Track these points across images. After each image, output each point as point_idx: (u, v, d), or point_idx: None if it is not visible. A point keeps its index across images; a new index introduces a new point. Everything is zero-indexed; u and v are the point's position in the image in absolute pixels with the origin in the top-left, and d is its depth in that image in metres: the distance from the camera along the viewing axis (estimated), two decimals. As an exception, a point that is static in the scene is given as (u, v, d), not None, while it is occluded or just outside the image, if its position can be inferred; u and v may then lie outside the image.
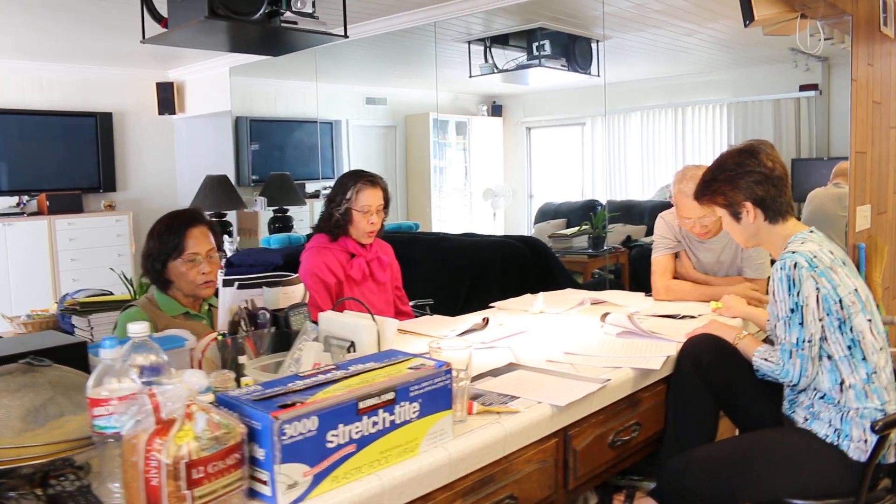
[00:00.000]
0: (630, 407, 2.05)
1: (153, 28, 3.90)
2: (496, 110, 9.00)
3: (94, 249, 6.39)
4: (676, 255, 3.08)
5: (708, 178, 2.24)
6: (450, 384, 1.53)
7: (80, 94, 6.67)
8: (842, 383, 2.00)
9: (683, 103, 8.28)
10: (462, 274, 4.66)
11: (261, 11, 3.85)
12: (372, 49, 6.19)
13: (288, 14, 4.11)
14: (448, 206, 8.62)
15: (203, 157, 7.24)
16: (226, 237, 6.16)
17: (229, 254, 6.02)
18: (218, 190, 6.16)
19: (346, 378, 1.46)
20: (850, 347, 2.00)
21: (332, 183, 7.76)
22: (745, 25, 3.71)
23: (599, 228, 6.13)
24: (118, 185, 6.93)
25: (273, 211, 6.67)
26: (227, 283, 2.03)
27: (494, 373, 2.01)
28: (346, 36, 4.30)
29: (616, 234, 7.21)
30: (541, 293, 2.96)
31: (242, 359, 1.89)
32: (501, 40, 5.73)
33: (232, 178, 7.02)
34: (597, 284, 5.34)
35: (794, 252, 2.04)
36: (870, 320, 2.03)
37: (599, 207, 8.02)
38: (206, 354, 1.97)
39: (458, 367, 1.67)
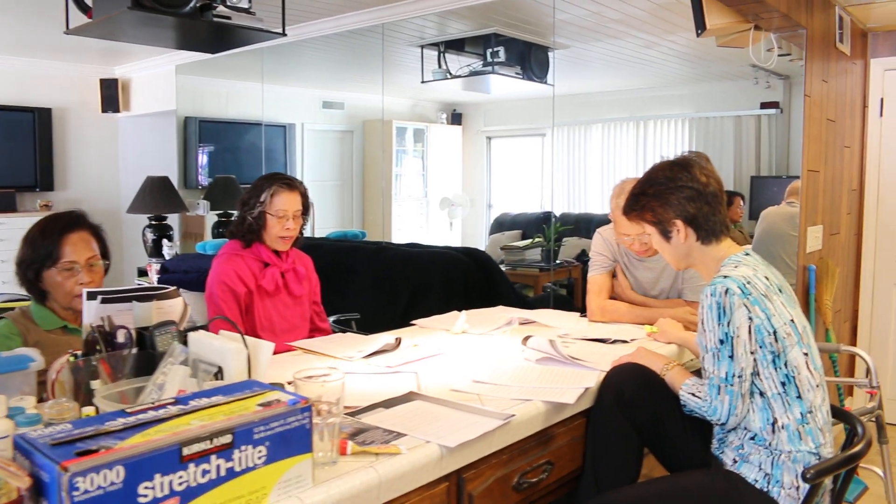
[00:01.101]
0: (540, 444, 1.84)
1: (80, 18, 3.67)
2: (456, 118, 8.81)
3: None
4: (614, 275, 2.89)
5: (637, 192, 2.05)
6: (308, 423, 1.31)
7: (18, 88, 6.34)
8: (774, 423, 1.81)
9: (645, 117, 8.15)
10: (402, 285, 4.44)
11: (191, 5, 3.63)
12: (325, 51, 5.97)
13: (221, 9, 3.90)
14: (404, 215, 8.42)
15: (148, 158, 6.95)
16: (165, 241, 5.88)
17: (167, 258, 5.75)
18: (158, 192, 5.88)
19: (179, 416, 1.24)
20: (783, 384, 1.81)
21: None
22: (698, 35, 3.55)
23: (551, 241, 5.94)
24: (56, 185, 6.60)
25: (217, 215, 6.39)
26: (90, 297, 1.79)
27: (388, 403, 1.79)
28: (284, 34, 4.06)
29: (570, 247, 7.03)
30: (464, 311, 2.75)
31: (95, 384, 1.65)
32: (456, 45, 5.54)
33: (179, 180, 6.74)
34: (545, 300, 5.15)
35: (725, 277, 1.85)
36: (806, 354, 1.85)
37: (554, 220, 7.88)
38: (59, 377, 1.73)
39: (328, 401, 1.45)
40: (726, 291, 1.81)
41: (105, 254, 2.29)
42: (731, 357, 1.80)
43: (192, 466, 1.16)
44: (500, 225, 7.82)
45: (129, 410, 1.26)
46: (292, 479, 1.30)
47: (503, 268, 6.30)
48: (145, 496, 1.10)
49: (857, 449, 1.77)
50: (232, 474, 1.21)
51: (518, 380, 2.00)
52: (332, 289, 4.74)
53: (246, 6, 3.98)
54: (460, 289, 4.31)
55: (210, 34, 4.10)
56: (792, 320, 1.85)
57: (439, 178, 8.72)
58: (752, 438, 1.84)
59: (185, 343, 1.74)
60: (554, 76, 5.82)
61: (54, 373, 1.74)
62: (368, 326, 3.47)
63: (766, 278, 1.88)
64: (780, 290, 1.89)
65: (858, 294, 4.46)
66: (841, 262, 4.15)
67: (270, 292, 2.72)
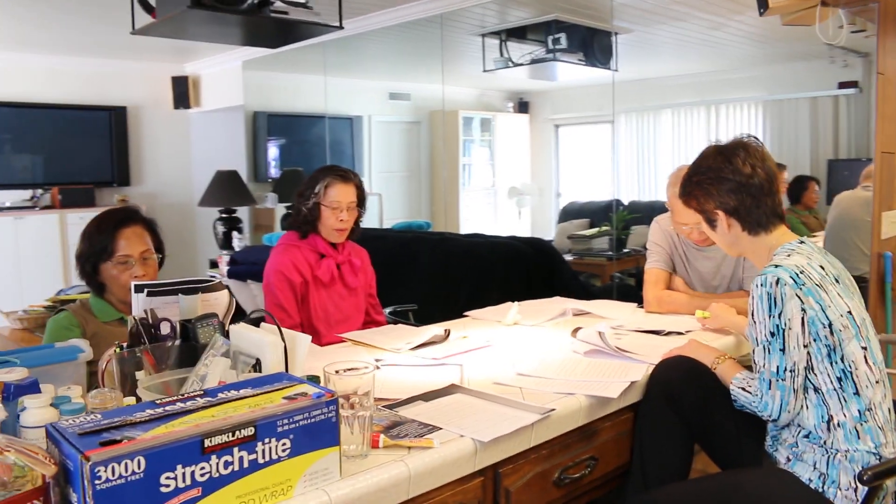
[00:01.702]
0: (583, 439, 1.80)
1: (146, 19, 3.78)
2: (523, 107, 8.72)
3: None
4: (675, 270, 2.80)
5: (686, 178, 1.98)
6: (334, 417, 1.31)
7: (95, 88, 6.59)
8: (829, 420, 1.72)
9: (716, 101, 7.89)
10: (464, 276, 4.43)
11: (249, 1, 3.70)
12: (387, 43, 5.99)
13: (279, 4, 3.95)
14: (472, 205, 8.39)
15: (219, 152, 7.12)
16: (235, 233, 6.02)
17: (237, 250, 5.89)
18: (227, 185, 6.03)
19: (205, 408, 1.25)
20: (840, 379, 1.72)
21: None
22: (760, 14, 3.41)
23: (619, 230, 5.83)
24: (132, 180, 6.85)
25: (285, 207, 6.51)
26: (138, 289, 1.83)
27: (428, 396, 1.78)
28: (340, 27, 4.10)
29: (639, 235, 6.87)
30: (516, 303, 2.71)
31: (139, 374, 1.69)
32: (517, 33, 5.48)
33: (248, 174, 6.89)
34: (609, 290, 5.06)
35: (777, 266, 1.76)
36: (864, 348, 1.74)
37: (621, 208, 7.72)
38: (108, 368, 1.78)
39: (358, 394, 1.45)
40: (777, 281, 1.72)
41: (159, 248, 2.35)
42: (783, 350, 1.71)
43: (213, 458, 1.17)
44: (568, 213, 7.71)
45: (158, 402, 1.29)
46: (319, 471, 1.30)
47: (569, 257, 6.23)
48: (167, 486, 1.12)
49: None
50: (255, 466, 1.22)
51: (564, 373, 1.96)
52: (395, 279, 4.78)
53: (302, 1, 4.04)
54: (522, 279, 4.27)
55: (269, 30, 4.16)
56: (849, 312, 1.74)
57: (507, 167, 8.65)
58: (807, 436, 1.75)
59: (227, 335, 1.76)
60: (617, 61, 5.70)
61: (104, 363, 1.79)
62: (428, 317, 3.46)
63: (822, 267, 1.78)
64: (837, 280, 1.79)
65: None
66: (924, 248, 3.93)
67: (326, 283, 2.75)
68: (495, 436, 1.53)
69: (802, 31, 3.85)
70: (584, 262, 6.03)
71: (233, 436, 1.19)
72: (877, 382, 1.73)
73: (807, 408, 1.75)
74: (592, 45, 5.40)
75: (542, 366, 2.02)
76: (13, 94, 6.19)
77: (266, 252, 4.94)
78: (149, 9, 3.99)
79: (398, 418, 1.64)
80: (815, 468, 1.71)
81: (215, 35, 4.31)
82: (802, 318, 1.71)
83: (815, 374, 1.73)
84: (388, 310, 3.38)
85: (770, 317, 1.73)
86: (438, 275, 4.54)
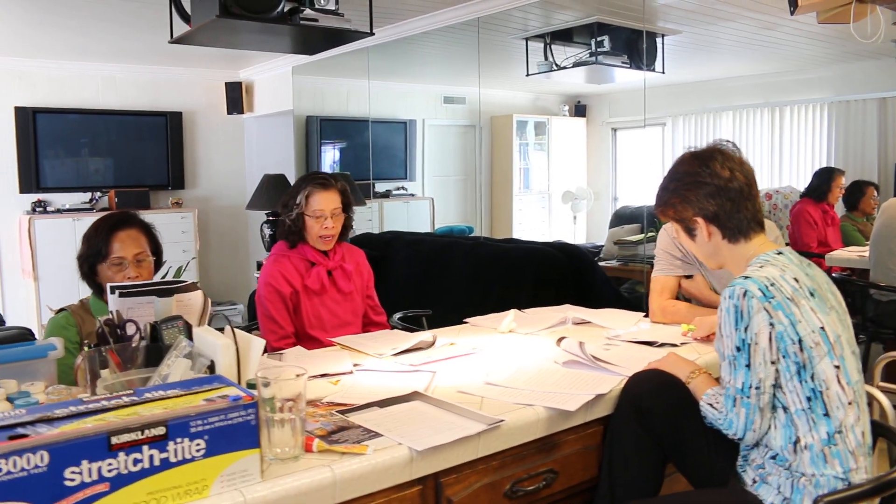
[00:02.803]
0: (541, 451, 1.76)
1: (183, 28, 3.94)
2: (580, 110, 8.62)
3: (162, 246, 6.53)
4: (689, 276, 2.71)
5: (661, 187, 1.92)
6: (253, 420, 1.33)
7: (152, 94, 6.85)
8: (796, 442, 1.64)
9: (780, 102, 7.63)
10: (493, 282, 4.41)
11: (278, 9, 3.78)
12: (430, 47, 6.01)
13: (308, 12, 4.02)
14: (526, 209, 8.34)
15: (271, 156, 7.30)
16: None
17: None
18: (274, 189, 6.15)
19: (126, 407, 1.29)
20: (809, 399, 1.63)
21: (405, 183, 7.73)
22: (791, 13, 3.29)
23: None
24: (187, 183, 7.07)
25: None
26: (111, 290, 1.90)
27: (386, 403, 1.78)
28: (371, 33, 4.15)
29: (690, 242, 6.70)
30: (513, 310, 2.68)
31: (104, 373, 1.75)
32: (562, 36, 5.42)
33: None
34: (643, 297, 4.93)
35: (746, 277, 1.69)
36: (837, 367, 1.65)
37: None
38: (80, 365, 1.84)
39: (289, 399, 1.46)
40: (745, 293, 1.66)
41: (156, 251, 2.42)
42: (748, 366, 1.64)
43: (122, 455, 1.20)
44: (620, 218, 7.58)
45: (85, 399, 1.33)
46: (237, 472, 1.32)
47: (615, 263, 6.13)
48: (72, 480, 1.16)
49: (893, 476, 1.57)
50: (167, 465, 1.25)
51: (534, 383, 1.93)
52: (429, 284, 4.79)
53: (333, 8, 4.10)
54: (553, 285, 4.22)
55: (301, 36, 4.25)
56: (822, 328, 1.65)
57: (563, 171, 8.58)
58: (774, 458, 1.67)
59: (191, 337, 1.80)
60: (664, 63, 5.57)
61: (79, 360, 1.86)
62: (447, 323, 3.45)
63: (796, 280, 1.70)
64: (813, 294, 1.70)
65: None
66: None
67: (317, 291, 2.77)
68: (431, 445, 1.52)
69: (867, 30, 3.68)
70: (628, 268, 5.92)
71: (142, 434, 1.22)
72: (849, 404, 1.64)
73: (775, 427, 1.67)
74: (637, 47, 5.30)
75: (514, 375, 1.99)
76: (75, 101, 6.49)
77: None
78: (187, 18, 4.14)
79: (346, 424, 1.65)
80: (778, 491, 1.64)
81: (248, 42, 4.44)
82: (770, 333, 1.64)
83: (784, 393, 1.66)
84: (397, 315, 3.38)
85: (736, 330, 1.66)
86: (470, 280, 4.53)
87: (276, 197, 6.17)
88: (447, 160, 8.22)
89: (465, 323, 2.76)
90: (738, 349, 1.65)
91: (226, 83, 7.11)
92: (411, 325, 3.34)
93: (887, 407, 2.10)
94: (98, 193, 6.55)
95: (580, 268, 4.32)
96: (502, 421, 1.65)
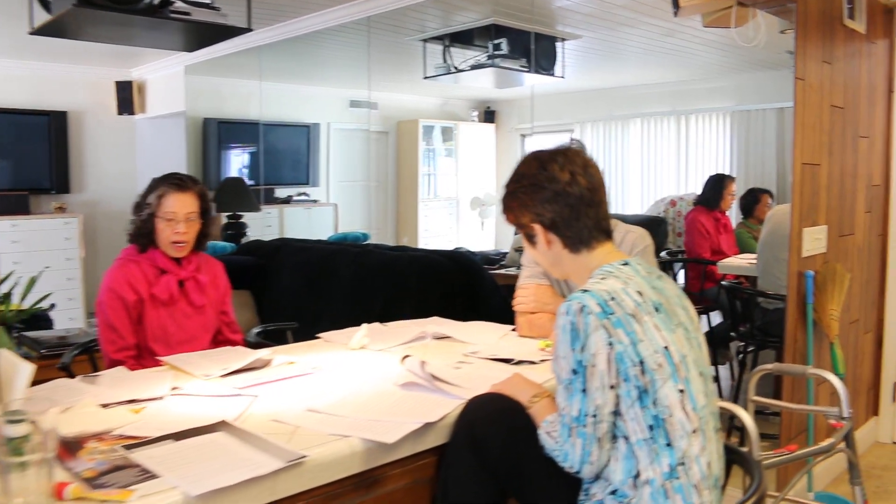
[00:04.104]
0: (359, 489, 1.56)
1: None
2: (489, 116, 8.51)
3: (40, 252, 6.11)
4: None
5: (503, 189, 1.76)
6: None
7: (34, 92, 6.41)
8: (637, 476, 1.48)
9: (686, 111, 7.67)
10: (378, 291, 4.20)
11: (145, 1, 3.50)
12: (325, 48, 5.79)
13: (179, 4, 3.75)
14: (433, 216, 8.17)
15: (167, 160, 6.91)
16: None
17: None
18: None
19: None
20: (651, 427, 1.47)
21: (308, 189, 7.46)
22: (675, 15, 3.20)
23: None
24: (73, 187, 6.65)
25: (227, 217, 6.30)
26: None
27: (184, 435, 1.56)
28: (249, 28, 3.90)
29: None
30: (364, 325, 2.48)
31: None
32: (460, 39, 5.26)
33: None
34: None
35: (585, 291, 1.53)
36: (682, 391, 1.49)
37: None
38: None
39: (37, 434, 1.23)
40: (581, 309, 1.49)
41: None
42: (585, 392, 1.48)
43: None
44: (525, 226, 7.46)
45: None
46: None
47: (515, 270, 5.98)
48: None
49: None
50: None
51: (361, 409, 1.73)
52: (313, 294, 4.56)
53: (206, 1, 3.83)
54: (440, 295, 4.04)
55: (173, 31, 3.96)
56: (666, 348, 1.50)
57: (472, 177, 8.43)
58: (613, 493, 1.51)
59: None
60: (564, 68, 5.48)
61: None
62: (297, 339, 3.21)
63: (640, 293, 1.54)
64: (658, 309, 1.54)
65: (884, 302, 3.97)
66: (857, 266, 3.69)
67: (165, 301, 2.53)
68: (212, 488, 1.30)
69: (749, 35, 3.62)
70: (530, 276, 5.79)
71: None
72: (693, 432, 1.49)
73: (615, 459, 1.51)
74: (536, 51, 5.18)
75: (344, 400, 1.79)
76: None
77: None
78: (48, 7, 3.80)
79: (124, 462, 1.42)
80: (616, 529, 1.47)
81: (113, 36, 4.10)
82: (608, 354, 1.47)
83: (625, 421, 1.49)
84: (255, 330, 3.14)
85: (572, 351, 1.49)
86: (355, 290, 4.32)
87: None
88: (354, 165, 7.99)
89: (317, 338, 2.55)
90: (575, 372, 1.49)
91: (116, 82, 6.72)
92: (275, 340, 3.10)
93: (750, 427, 1.97)
94: (-28, 197, 6.09)
95: (468, 276, 4.15)
96: (305, 457, 1.44)
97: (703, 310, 4.61)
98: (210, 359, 2.22)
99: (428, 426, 1.64)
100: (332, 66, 6.95)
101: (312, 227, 7.17)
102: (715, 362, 4.74)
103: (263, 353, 2.19)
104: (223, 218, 6.31)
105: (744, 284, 4.28)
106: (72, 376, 2.20)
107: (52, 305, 4.96)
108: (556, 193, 1.63)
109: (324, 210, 7.48)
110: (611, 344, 1.47)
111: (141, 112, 6.85)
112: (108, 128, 6.86)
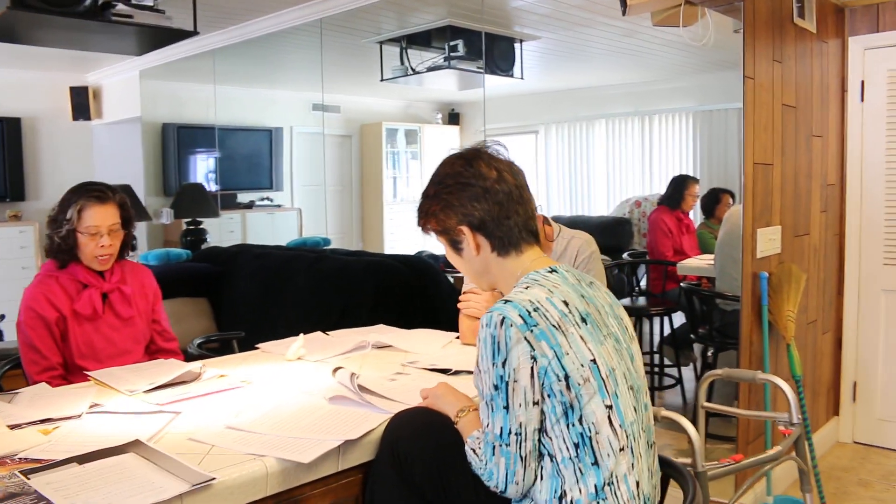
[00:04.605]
0: (275, 510, 1.49)
1: None
2: (453, 118, 8.45)
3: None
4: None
5: (422, 195, 1.68)
6: None
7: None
8: (562, 497, 1.41)
9: (650, 111, 7.67)
10: (334, 298, 4.12)
11: (85, 4, 3.40)
12: (299, 50, 5.68)
13: (122, 7, 3.66)
14: (398, 219, 8.10)
15: (126, 166, 6.78)
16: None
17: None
18: (117, 201, 5.67)
19: None
20: (577, 445, 1.40)
21: (271, 193, 7.36)
22: (623, 14, 3.16)
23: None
24: (28, 194, 6.50)
25: (186, 223, 6.18)
26: None
27: (93, 457, 1.48)
28: (195, 32, 3.81)
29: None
30: (301, 335, 2.40)
31: None
32: (417, 40, 5.19)
33: (156, 188, 6.58)
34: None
35: (507, 301, 1.46)
36: (609, 407, 1.42)
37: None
38: None
39: None
40: (502, 321, 1.42)
41: None
42: (507, 408, 1.41)
43: None
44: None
45: None
46: None
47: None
48: None
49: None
50: None
51: (283, 426, 1.65)
52: (269, 301, 4.46)
53: (150, 3, 3.74)
54: (396, 301, 3.97)
55: (117, 35, 3.86)
56: (593, 361, 1.43)
57: (436, 179, 8.37)
58: (540, 514, 1.45)
59: None
60: (522, 69, 5.44)
61: None
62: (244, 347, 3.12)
63: (565, 303, 1.47)
64: (585, 320, 1.48)
65: (842, 301, 3.96)
66: (814, 266, 3.67)
67: (89, 316, 2.43)
68: (102, 518, 1.22)
69: (724, 40, 3.60)
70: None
71: None
72: (621, 450, 1.41)
73: (541, 478, 1.44)
74: (493, 52, 5.13)
75: (267, 415, 1.71)
76: None
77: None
78: (-14, 9, 3.68)
79: (21, 489, 1.34)
80: (543, 551, 1.41)
81: (58, 40, 4.01)
82: (532, 368, 1.40)
83: (550, 438, 1.42)
84: (198, 340, 3.05)
85: (493, 366, 1.42)
86: (311, 296, 4.23)
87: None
88: (318, 169, 7.89)
89: (256, 349, 2.47)
90: (496, 388, 1.42)
91: (70, 87, 6.57)
92: (218, 351, 3.02)
93: (693, 437, 1.92)
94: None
95: (425, 281, 4.09)
96: (213, 479, 1.36)
97: (665, 311, 4.58)
98: (138, 373, 2.14)
99: (349, 443, 1.57)
100: (292, 68, 6.85)
101: (276, 233, 7.07)
102: (678, 363, 4.72)
103: (194, 366, 2.11)
104: (182, 224, 6.18)
105: (704, 285, 4.26)
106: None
107: (2, 316, 4.84)
108: (484, 190, 1.55)
109: (288, 215, 7.38)
110: (534, 358, 1.40)
111: (97, 118, 6.71)
112: (63, 134, 6.71)
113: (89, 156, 6.92)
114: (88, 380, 2.14)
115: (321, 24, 4.54)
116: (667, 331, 4.64)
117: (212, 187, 7.00)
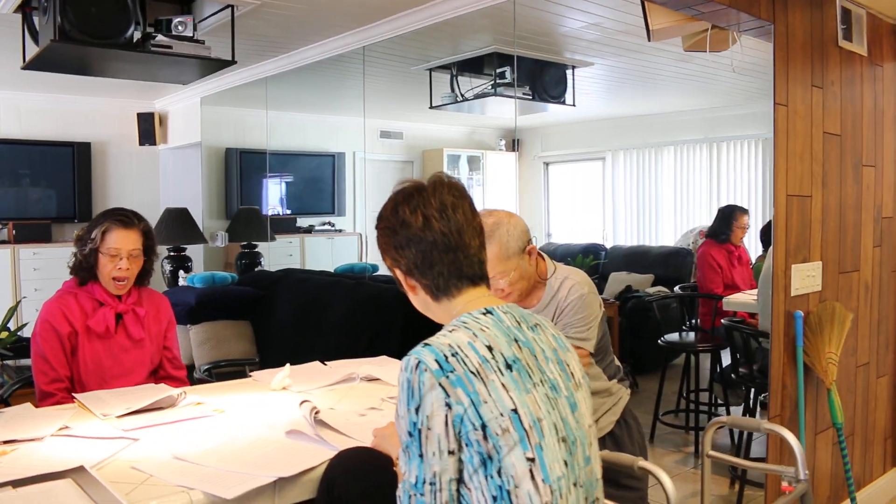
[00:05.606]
0: (199, 548, 1.45)
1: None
2: (515, 144, 8.39)
3: (60, 280, 6.22)
4: None
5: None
6: None
7: (59, 124, 6.60)
8: (481, 554, 1.32)
9: (718, 138, 7.42)
10: (365, 325, 4.11)
11: (126, 34, 3.53)
12: (348, 77, 5.76)
13: (161, 38, 3.79)
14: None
15: (189, 190, 7.01)
16: (181, 272, 5.84)
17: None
18: (175, 223, 5.86)
19: None
20: (495, 499, 1.30)
21: (333, 218, 7.46)
22: (649, 40, 3.05)
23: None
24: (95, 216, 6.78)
25: (241, 247, 6.33)
26: None
27: (32, 481, 1.50)
28: (233, 61, 3.92)
29: (615, 283, 6.43)
30: (288, 365, 2.38)
31: None
32: (468, 67, 5.18)
33: (217, 211, 6.76)
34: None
35: (425, 345, 1.37)
36: (532, 459, 1.31)
37: (603, 252, 7.26)
38: None
39: None
40: (417, 365, 1.33)
41: None
42: (422, 457, 1.33)
43: None
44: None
45: None
46: None
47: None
48: None
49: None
50: None
51: (229, 459, 1.62)
52: (306, 326, 4.49)
53: (189, 34, 3.85)
54: (423, 330, 3.91)
55: (160, 64, 3.99)
56: (514, 410, 1.32)
57: (498, 207, 8.30)
58: (458, 568, 1.35)
59: None
60: (574, 95, 5.34)
61: None
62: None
63: (489, 348, 1.37)
64: (511, 367, 1.37)
65: (901, 344, 3.68)
66: (865, 305, 3.42)
67: (101, 334, 2.49)
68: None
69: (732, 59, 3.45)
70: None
71: None
72: None
73: (461, 532, 1.35)
74: (542, 79, 5.07)
75: (216, 447, 1.69)
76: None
77: (180, 293, 4.74)
78: (37, 42, 3.89)
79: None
80: None
81: (104, 69, 4.18)
82: (447, 416, 1.30)
83: (469, 490, 1.32)
84: (206, 366, 3.07)
85: (408, 411, 1.34)
86: (347, 322, 4.23)
87: (177, 231, 5.90)
88: (381, 195, 7.95)
89: (250, 377, 2.46)
90: (410, 434, 1.33)
91: (138, 113, 6.86)
92: (229, 376, 3.04)
93: (670, 493, 1.78)
94: (-1, 226, 6.27)
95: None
96: (129, 514, 1.34)
97: (714, 347, 4.37)
98: (122, 397, 2.16)
99: (284, 481, 1.53)
100: (348, 95, 6.94)
101: (335, 258, 7.14)
102: (726, 402, 4.48)
103: (173, 392, 2.11)
104: (238, 247, 6.33)
105: (754, 323, 4.02)
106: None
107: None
108: (408, 239, 1.48)
109: (348, 240, 7.45)
110: (448, 405, 1.30)
111: (163, 142, 6.97)
112: (131, 158, 7.00)
113: (155, 179, 7.18)
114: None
115: (364, 51, 4.58)
116: (717, 368, 4.43)
117: (275, 211, 7.16)
